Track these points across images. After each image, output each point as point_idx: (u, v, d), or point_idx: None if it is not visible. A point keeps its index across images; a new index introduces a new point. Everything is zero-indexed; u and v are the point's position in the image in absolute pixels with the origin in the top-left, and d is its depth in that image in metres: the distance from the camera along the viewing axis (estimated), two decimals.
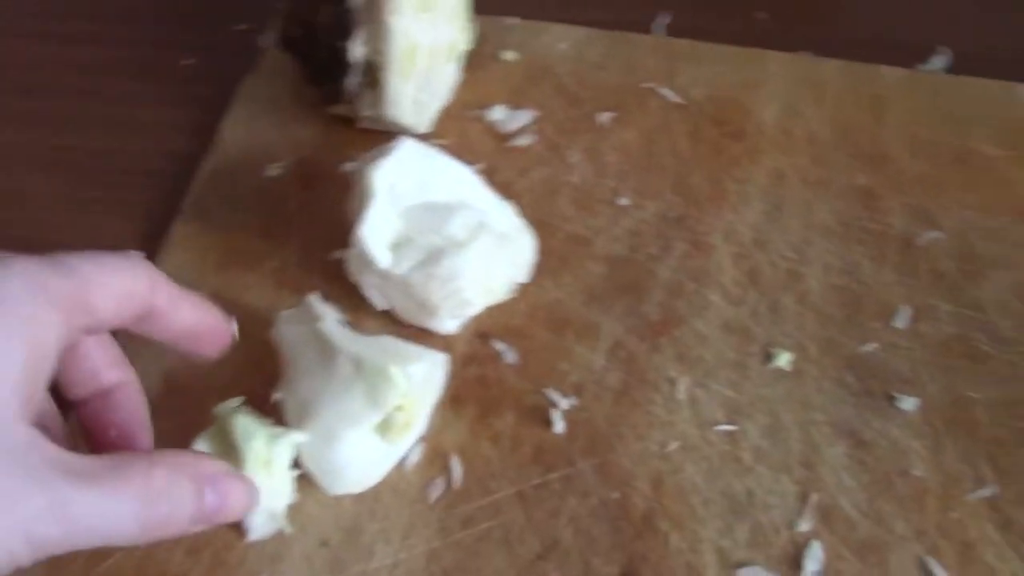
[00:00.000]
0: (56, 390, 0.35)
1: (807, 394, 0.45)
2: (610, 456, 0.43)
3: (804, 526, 0.41)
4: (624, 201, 0.53)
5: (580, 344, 0.47)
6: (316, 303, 0.44)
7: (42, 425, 0.31)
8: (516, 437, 0.44)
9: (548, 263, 0.50)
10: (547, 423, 0.44)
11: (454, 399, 0.45)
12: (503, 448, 0.44)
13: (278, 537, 0.41)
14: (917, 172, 0.54)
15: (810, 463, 0.43)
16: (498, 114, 0.58)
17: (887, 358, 0.46)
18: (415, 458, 0.43)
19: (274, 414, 0.41)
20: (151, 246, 0.52)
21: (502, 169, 0.55)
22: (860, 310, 0.48)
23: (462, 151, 0.51)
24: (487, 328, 0.48)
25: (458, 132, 0.57)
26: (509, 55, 0.61)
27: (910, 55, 0.61)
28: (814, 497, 0.42)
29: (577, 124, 0.57)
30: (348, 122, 0.56)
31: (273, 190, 0.54)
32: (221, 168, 0.55)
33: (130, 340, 0.36)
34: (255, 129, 0.57)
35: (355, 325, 0.47)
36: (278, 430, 0.39)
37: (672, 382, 0.46)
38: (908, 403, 0.45)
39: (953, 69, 0.60)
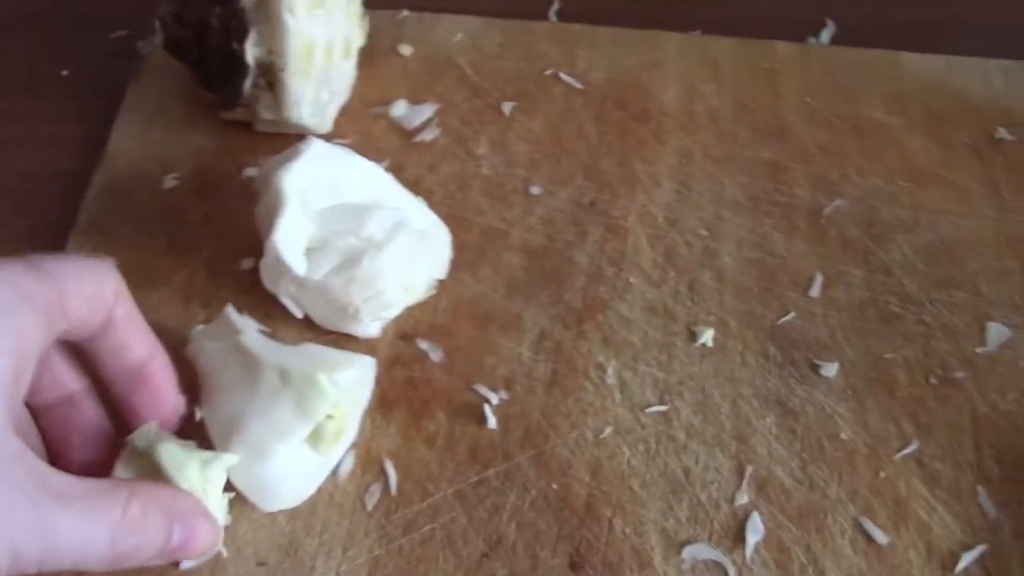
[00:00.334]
0: None
1: (733, 369, 0.46)
2: (546, 447, 0.43)
3: (743, 499, 0.42)
4: (536, 190, 0.53)
5: (505, 337, 0.47)
6: (234, 315, 0.43)
7: (20, 433, 0.30)
8: (450, 436, 0.43)
9: (465, 257, 0.49)
10: (480, 420, 0.44)
11: (383, 403, 0.44)
12: (438, 449, 0.43)
13: (213, 560, 0.39)
14: (817, 143, 0.55)
15: (743, 436, 0.43)
16: (400, 110, 0.56)
17: (806, 327, 0.47)
18: (348, 467, 0.42)
19: (195, 435, 0.40)
20: None
21: (409, 165, 0.54)
22: (776, 282, 0.49)
23: (366, 150, 0.49)
24: (409, 329, 0.47)
25: (360, 131, 0.55)
26: (405, 49, 0.60)
27: (800, 29, 0.62)
28: (749, 469, 0.42)
29: (482, 115, 0.56)
30: (245, 126, 0.54)
31: (172, 202, 0.52)
32: (114, 183, 0.53)
33: None
34: (146, 140, 0.55)
35: (273, 335, 0.45)
36: (208, 454, 0.37)
37: (601, 367, 0.46)
38: (830, 369, 0.46)
39: (841, 40, 0.61)
